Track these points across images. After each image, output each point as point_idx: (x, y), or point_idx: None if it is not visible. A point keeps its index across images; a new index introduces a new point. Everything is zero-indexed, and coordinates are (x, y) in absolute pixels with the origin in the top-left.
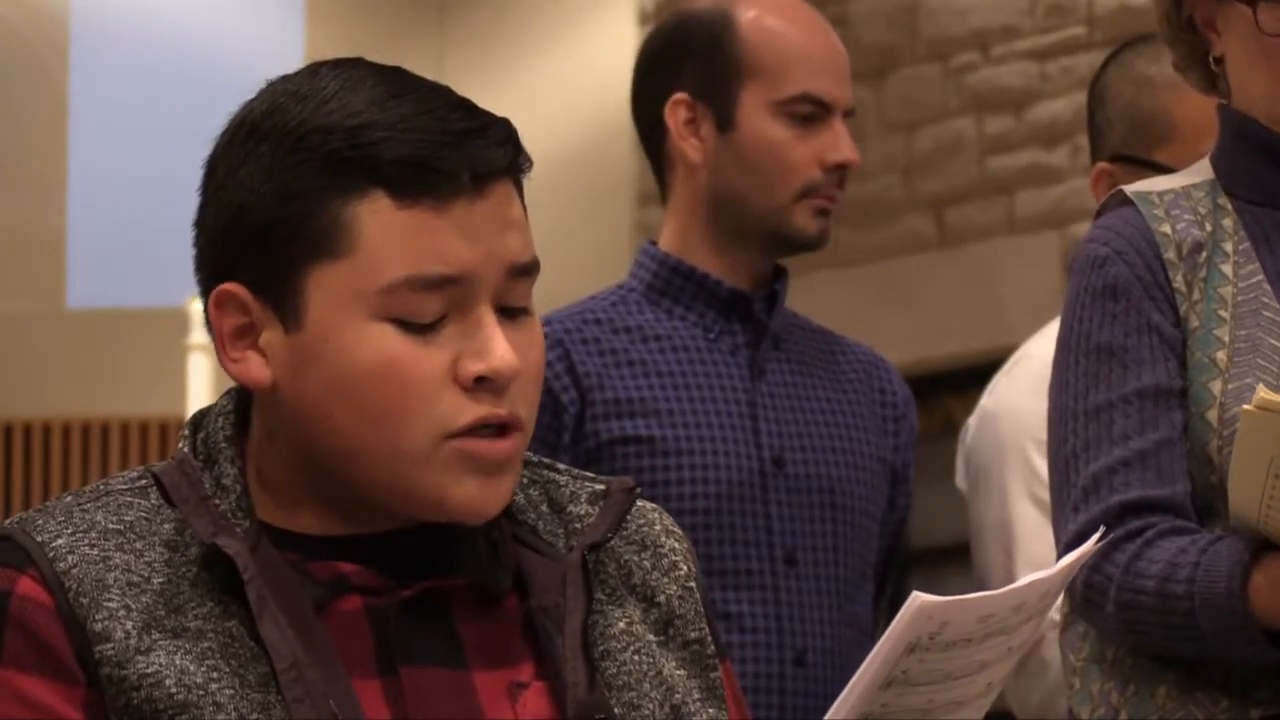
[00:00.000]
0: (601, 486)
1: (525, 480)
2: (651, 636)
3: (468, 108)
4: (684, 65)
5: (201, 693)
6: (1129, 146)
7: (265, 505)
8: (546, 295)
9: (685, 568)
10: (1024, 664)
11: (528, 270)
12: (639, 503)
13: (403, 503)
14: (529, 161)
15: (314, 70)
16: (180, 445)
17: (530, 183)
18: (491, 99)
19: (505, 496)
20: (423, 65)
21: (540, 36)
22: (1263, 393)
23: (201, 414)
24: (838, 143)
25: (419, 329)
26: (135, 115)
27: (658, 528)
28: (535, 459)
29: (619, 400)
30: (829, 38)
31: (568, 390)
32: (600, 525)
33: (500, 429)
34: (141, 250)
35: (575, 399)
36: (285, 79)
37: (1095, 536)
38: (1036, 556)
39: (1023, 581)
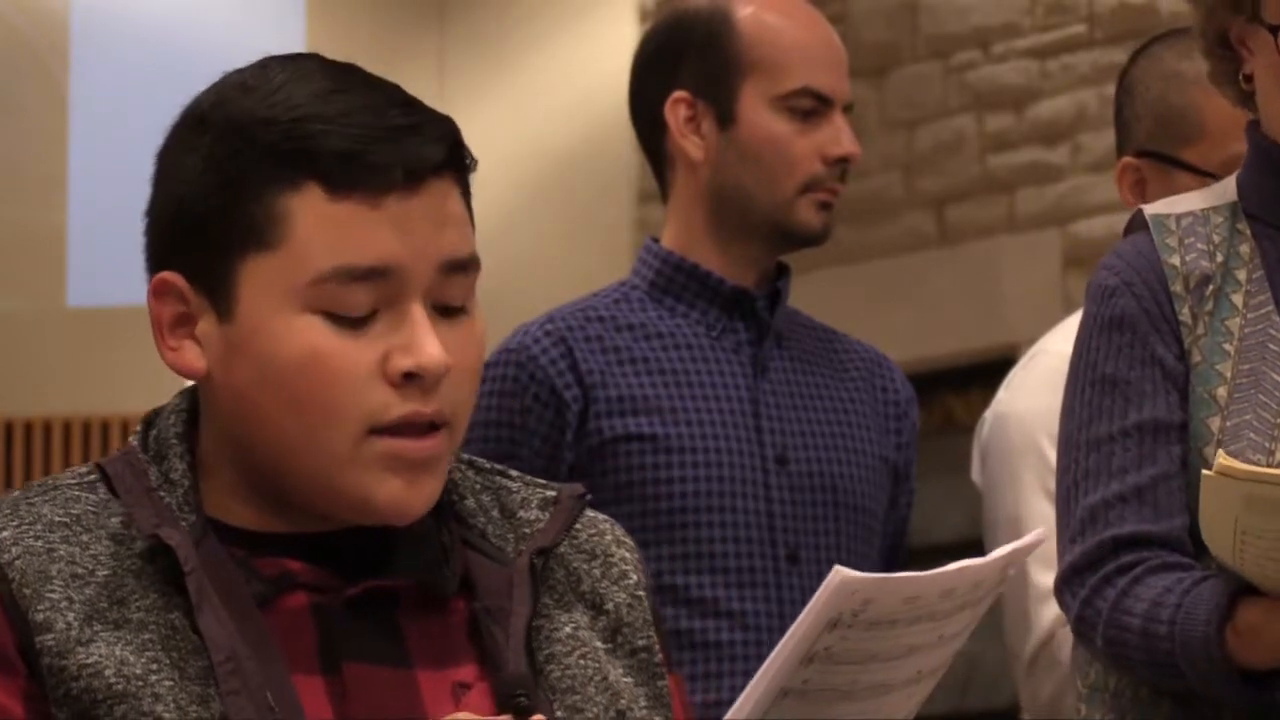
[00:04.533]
0: (553, 493)
1: (478, 486)
2: (599, 643)
3: (410, 105)
4: (683, 63)
5: (140, 683)
6: (1155, 143)
7: (214, 501)
8: (547, 293)
9: (635, 577)
10: (1035, 661)
11: (464, 266)
12: (590, 513)
13: (329, 501)
14: (473, 160)
15: (264, 63)
16: (131, 439)
17: (531, 180)
18: (492, 97)
19: (431, 496)
20: (423, 64)
21: (540, 35)
22: (1222, 459)
23: (155, 411)
24: (839, 136)
25: (348, 323)
26: (136, 113)
27: (609, 538)
28: (488, 466)
29: (622, 398)
30: (826, 31)
31: (571, 388)
32: (550, 531)
33: (426, 427)
34: (142, 248)
35: (578, 396)
36: (237, 71)
37: (1037, 533)
38: (1049, 552)
39: (952, 567)
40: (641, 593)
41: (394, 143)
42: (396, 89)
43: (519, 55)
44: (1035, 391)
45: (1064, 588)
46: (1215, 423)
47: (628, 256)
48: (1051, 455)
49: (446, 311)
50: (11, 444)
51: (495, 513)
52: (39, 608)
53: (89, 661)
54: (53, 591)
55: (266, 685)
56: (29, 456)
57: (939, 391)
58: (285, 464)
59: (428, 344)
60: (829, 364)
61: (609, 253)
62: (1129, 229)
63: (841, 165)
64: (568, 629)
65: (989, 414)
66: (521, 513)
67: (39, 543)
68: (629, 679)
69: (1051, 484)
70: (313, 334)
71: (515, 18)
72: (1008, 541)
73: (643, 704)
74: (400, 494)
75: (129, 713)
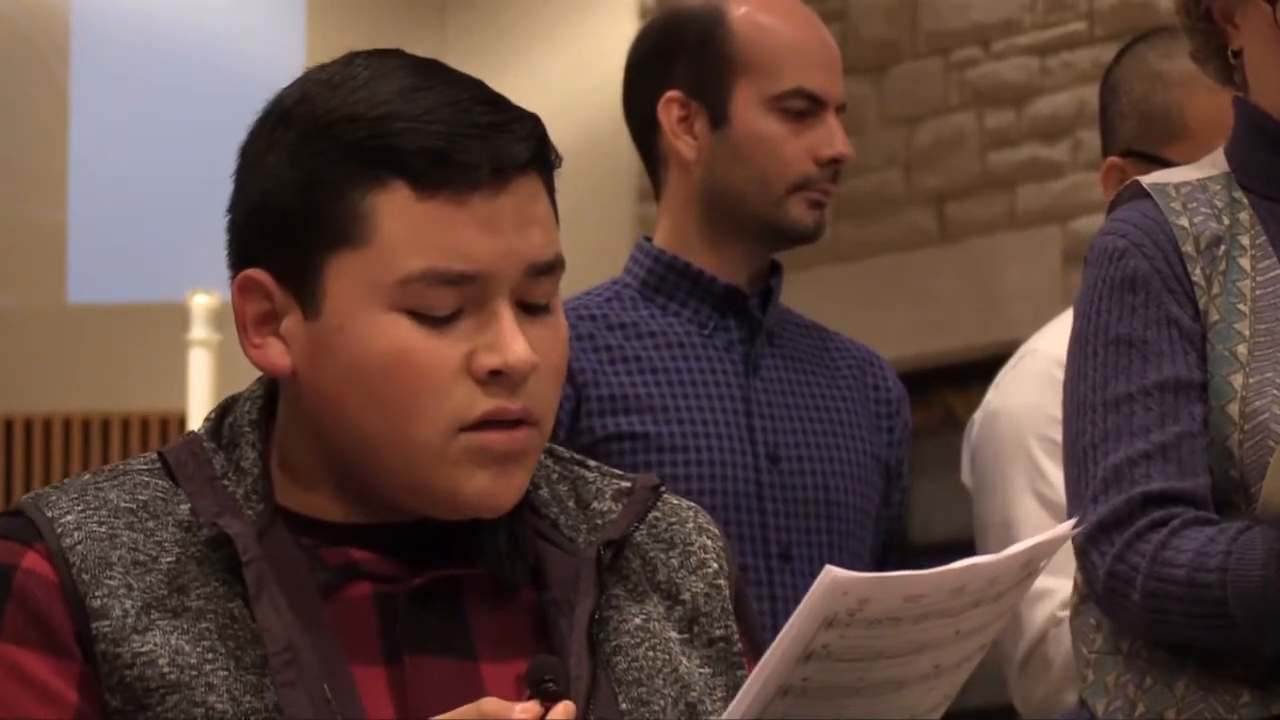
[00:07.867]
0: (627, 484)
1: (555, 475)
2: (674, 634)
3: (495, 102)
4: (676, 62)
5: (194, 673)
6: (1140, 142)
7: (286, 490)
8: None
9: (715, 565)
10: (1027, 662)
11: (550, 268)
12: (675, 501)
13: (416, 497)
14: (559, 158)
15: (349, 59)
16: (200, 427)
17: None
18: None
19: (519, 490)
20: None
21: (540, 33)
22: None
23: (232, 399)
24: (831, 137)
25: (433, 321)
26: (136, 110)
27: (690, 525)
28: (567, 455)
29: (614, 396)
30: (820, 32)
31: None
32: (621, 522)
33: (512, 421)
34: (142, 245)
35: (570, 395)
36: (321, 67)
37: (1070, 524)
38: None
39: (957, 565)
40: (722, 581)
41: (480, 140)
42: (480, 86)
43: (519, 53)
44: (1024, 392)
45: (1090, 546)
46: (1238, 379)
47: (627, 254)
48: (1040, 457)
49: (530, 309)
50: (11, 441)
51: (571, 503)
52: (96, 594)
53: (143, 650)
54: (111, 578)
55: (324, 677)
56: (29, 454)
57: (939, 389)
58: (370, 460)
59: (514, 343)
60: (820, 362)
61: (608, 251)
62: (1116, 202)
63: (833, 166)
64: (637, 620)
65: (978, 415)
66: (595, 504)
67: (102, 528)
68: (706, 669)
69: (1041, 486)
70: (399, 332)
71: (515, 16)
72: (999, 544)
73: (719, 695)
74: (488, 487)
75: (181, 702)
